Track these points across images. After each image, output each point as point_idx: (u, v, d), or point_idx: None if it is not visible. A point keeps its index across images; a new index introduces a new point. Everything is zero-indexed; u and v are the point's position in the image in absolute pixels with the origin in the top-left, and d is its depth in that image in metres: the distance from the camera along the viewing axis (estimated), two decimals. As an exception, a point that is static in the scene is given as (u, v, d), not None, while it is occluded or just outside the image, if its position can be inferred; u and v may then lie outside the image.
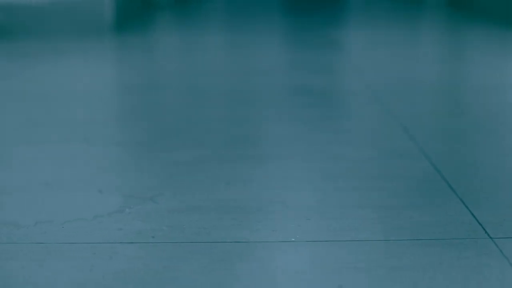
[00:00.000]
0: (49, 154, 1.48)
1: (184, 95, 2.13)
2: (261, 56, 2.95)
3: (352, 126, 1.72)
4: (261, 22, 4.64)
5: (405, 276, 0.90)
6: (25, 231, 1.05)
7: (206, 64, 2.77)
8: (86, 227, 1.07)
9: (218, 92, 2.18)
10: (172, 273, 0.91)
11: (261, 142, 1.58)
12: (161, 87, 2.26)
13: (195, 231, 1.05)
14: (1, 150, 1.53)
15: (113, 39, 3.67)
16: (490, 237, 1.02)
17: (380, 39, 3.55)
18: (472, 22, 4.31)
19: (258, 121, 1.78)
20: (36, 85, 2.33)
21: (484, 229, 1.05)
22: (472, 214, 1.11)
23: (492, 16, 4.46)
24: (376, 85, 2.27)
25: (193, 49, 3.25)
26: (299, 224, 1.08)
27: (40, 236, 1.03)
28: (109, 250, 0.98)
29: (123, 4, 4.29)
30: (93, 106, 1.99)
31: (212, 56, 2.99)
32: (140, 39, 3.72)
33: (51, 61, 2.89)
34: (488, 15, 4.52)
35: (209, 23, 4.57)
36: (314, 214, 1.12)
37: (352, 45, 3.34)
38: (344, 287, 0.87)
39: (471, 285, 0.88)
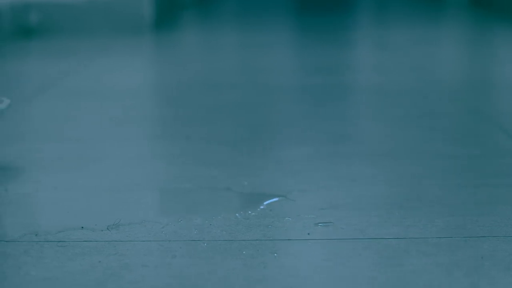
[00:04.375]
0: (156, 152, 1.47)
1: (255, 93, 2.11)
2: (319, 54, 2.93)
3: (444, 124, 1.71)
4: (312, 19, 4.62)
5: None
6: (173, 228, 1.04)
7: (262, 62, 2.75)
8: (234, 225, 1.05)
9: (288, 89, 2.17)
10: (346, 270, 0.90)
11: (359, 138, 1.57)
12: (225, 85, 2.24)
13: (353, 228, 1.04)
14: (108, 149, 1.52)
15: (155, 36, 3.66)
16: None
17: (425, 37, 3.54)
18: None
19: (345, 117, 1.77)
20: (96, 82, 2.32)
21: None
22: None
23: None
24: (447, 83, 2.26)
25: (241, 46, 3.23)
26: (446, 220, 1.06)
27: (195, 234, 1.02)
28: (271, 248, 0.97)
29: (161, 1, 4.28)
30: (166, 103, 1.97)
31: (264, 53, 2.97)
32: (184, 36, 3.71)
33: (100, 58, 2.88)
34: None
35: (258, 20, 4.55)
36: (455, 211, 1.11)
37: (398, 44, 3.32)
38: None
39: None
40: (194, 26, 4.39)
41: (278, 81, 2.32)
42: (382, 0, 6.28)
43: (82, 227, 1.04)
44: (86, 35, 3.66)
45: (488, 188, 1.21)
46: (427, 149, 1.48)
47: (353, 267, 0.90)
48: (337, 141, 1.53)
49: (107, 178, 1.30)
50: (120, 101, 2.01)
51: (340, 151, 1.46)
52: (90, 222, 1.06)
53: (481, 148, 1.48)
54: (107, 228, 1.03)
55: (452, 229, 1.03)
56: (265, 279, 0.88)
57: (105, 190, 1.23)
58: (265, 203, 1.14)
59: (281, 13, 5.16)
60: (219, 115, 1.81)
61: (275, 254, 0.95)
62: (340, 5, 5.84)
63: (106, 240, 0.99)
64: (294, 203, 1.14)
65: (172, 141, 1.55)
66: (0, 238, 1.02)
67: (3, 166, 1.21)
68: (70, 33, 3.72)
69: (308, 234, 1.01)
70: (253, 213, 1.10)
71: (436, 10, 5.13)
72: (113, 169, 1.36)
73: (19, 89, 2.20)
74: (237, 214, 1.09)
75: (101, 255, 0.94)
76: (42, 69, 2.65)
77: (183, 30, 4.13)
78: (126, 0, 3.88)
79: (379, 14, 5.21)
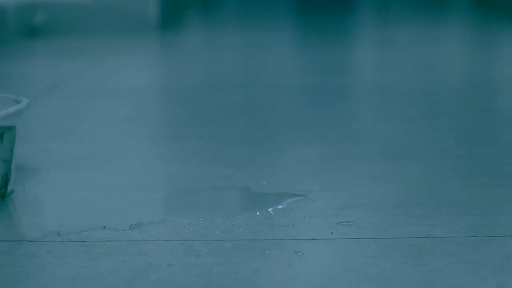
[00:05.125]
0: (171, 151, 1.47)
1: (265, 93, 2.11)
2: (327, 53, 2.93)
3: (456, 123, 1.71)
4: (320, 18, 4.62)
5: None
6: (195, 227, 1.04)
7: (269, 61, 2.75)
8: (257, 225, 1.05)
9: (297, 89, 2.17)
10: (373, 269, 0.90)
11: (372, 138, 1.57)
12: (234, 85, 2.24)
13: (375, 227, 1.04)
14: (128, 149, 1.52)
15: (163, 36, 3.66)
16: None
17: (434, 36, 3.54)
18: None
19: (357, 117, 1.77)
20: (105, 82, 2.32)
21: None
22: None
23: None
24: (457, 82, 2.26)
25: (249, 46, 3.23)
26: (470, 219, 1.06)
27: (226, 234, 1.02)
28: (296, 248, 0.97)
29: (169, 1, 4.28)
30: (177, 103, 1.97)
31: (272, 53, 2.98)
32: (192, 35, 3.71)
33: (108, 58, 2.88)
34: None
35: (265, 19, 4.55)
36: (475, 210, 1.11)
37: (406, 43, 3.32)
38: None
39: None
40: (202, 26, 4.39)
41: (287, 81, 2.32)
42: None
43: (104, 227, 1.04)
44: (93, 34, 3.66)
45: (506, 188, 1.21)
46: (442, 149, 1.48)
47: (379, 266, 0.90)
48: (350, 141, 1.53)
49: (125, 178, 1.30)
50: (131, 101, 2.01)
51: (354, 150, 1.46)
52: (111, 221, 1.06)
53: (494, 147, 1.48)
54: (129, 228, 1.03)
55: (474, 229, 1.03)
56: (292, 279, 0.87)
57: (123, 190, 1.23)
58: (285, 202, 1.14)
59: (288, 12, 5.16)
60: (231, 115, 1.81)
61: (299, 253, 0.95)
62: (346, 4, 5.84)
63: (129, 239, 0.99)
64: (315, 203, 1.14)
65: (186, 141, 1.55)
66: (22, 238, 1.02)
67: (19, 166, 1.21)
68: (77, 33, 3.72)
69: (331, 233, 1.01)
70: (275, 213, 1.09)
71: (444, 9, 5.13)
72: (130, 169, 1.36)
73: (27, 89, 2.20)
74: (258, 214, 1.09)
75: (125, 254, 0.94)
76: (50, 69, 2.65)
77: (190, 29, 4.13)
78: (134, 0, 3.87)
79: (388, 13, 5.21)
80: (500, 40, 3.41)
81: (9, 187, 1.16)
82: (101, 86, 2.26)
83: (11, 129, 1.14)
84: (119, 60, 2.86)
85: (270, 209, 1.11)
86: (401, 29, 3.94)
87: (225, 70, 2.60)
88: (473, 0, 5.39)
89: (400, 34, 3.65)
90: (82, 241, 0.99)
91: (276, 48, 3.19)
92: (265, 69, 2.59)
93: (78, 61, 2.80)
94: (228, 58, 2.97)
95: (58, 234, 1.01)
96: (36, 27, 3.74)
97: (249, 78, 2.40)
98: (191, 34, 3.94)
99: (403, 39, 3.43)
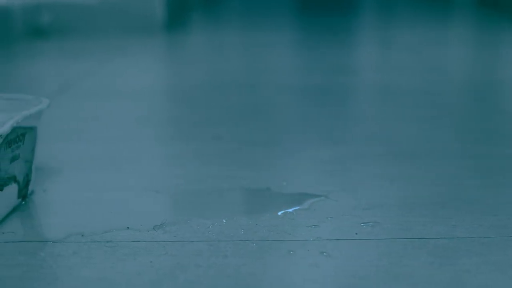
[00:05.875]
0: (189, 152, 1.47)
1: (277, 93, 2.11)
2: (338, 54, 2.93)
3: (472, 124, 1.71)
4: (326, 18, 4.62)
5: None
6: (219, 228, 1.04)
7: (280, 62, 2.75)
8: (281, 225, 1.05)
9: (310, 89, 2.17)
10: (402, 269, 0.90)
11: (389, 139, 1.56)
12: (246, 86, 2.24)
13: (399, 227, 1.03)
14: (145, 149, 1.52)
15: (167, 36, 3.66)
16: None
17: (446, 37, 3.54)
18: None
19: (372, 118, 1.77)
20: (117, 83, 2.32)
21: None
22: None
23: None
24: (470, 83, 2.26)
25: (260, 46, 3.23)
26: (492, 220, 1.06)
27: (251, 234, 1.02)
28: (321, 248, 0.97)
29: (173, 2, 4.28)
30: (190, 103, 1.97)
31: (282, 53, 2.98)
32: (201, 36, 3.70)
33: (118, 58, 2.88)
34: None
35: (274, 19, 4.55)
36: (497, 211, 1.10)
37: (417, 44, 3.32)
38: None
39: None
40: (211, 26, 4.38)
41: (299, 82, 2.32)
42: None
43: (128, 228, 1.04)
44: (102, 35, 3.66)
45: (527, 188, 1.21)
46: (460, 149, 1.47)
47: (407, 266, 0.90)
48: (367, 142, 1.53)
49: (144, 179, 1.29)
50: (143, 102, 2.01)
51: (372, 151, 1.45)
52: (134, 222, 1.06)
53: (512, 147, 1.49)
54: (153, 228, 1.03)
55: (498, 229, 1.03)
56: (320, 279, 0.87)
57: (144, 190, 1.23)
58: (307, 203, 1.14)
59: (297, 12, 5.16)
60: (246, 116, 1.81)
61: (325, 253, 0.95)
62: (355, 5, 5.84)
63: (154, 240, 0.99)
64: (337, 203, 1.14)
65: (203, 142, 1.55)
66: (45, 239, 1.02)
67: (38, 166, 1.21)
68: (86, 34, 3.72)
69: (356, 234, 1.01)
70: (297, 213, 1.09)
71: (453, 10, 5.13)
72: (148, 170, 1.36)
73: (39, 90, 2.20)
74: (280, 214, 1.09)
75: (151, 255, 0.94)
76: (60, 69, 2.65)
77: (200, 30, 4.13)
78: (141, 1, 3.87)
79: (397, 14, 5.21)
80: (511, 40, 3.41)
81: (30, 188, 1.16)
82: (111, 86, 2.26)
83: (32, 129, 1.14)
84: (129, 60, 2.86)
85: (292, 210, 1.11)
86: (411, 29, 3.94)
87: (235, 71, 2.60)
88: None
89: (410, 35, 3.65)
90: (106, 241, 0.99)
91: (288, 48, 3.19)
92: (277, 70, 2.59)
93: (83, 62, 2.80)
94: (238, 58, 2.97)
95: (82, 235, 1.01)
96: (44, 28, 3.74)
97: (260, 78, 2.40)
98: (200, 34, 3.94)
99: (414, 40, 3.43)
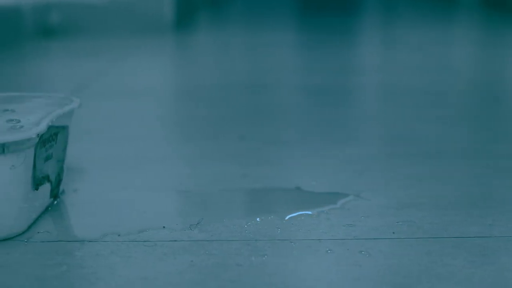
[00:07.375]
0: (213, 152, 1.47)
1: (294, 93, 2.11)
2: (352, 54, 2.93)
3: (496, 124, 1.71)
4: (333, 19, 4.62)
5: None
6: (255, 227, 1.04)
7: (295, 62, 2.75)
8: (316, 224, 1.05)
9: (327, 90, 2.17)
10: (444, 268, 0.89)
11: (415, 139, 1.56)
12: (262, 86, 2.24)
13: (435, 227, 1.03)
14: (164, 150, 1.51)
15: (176, 36, 3.66)
16: None
17: (462, 38, 3.54)
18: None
19: (396, 118, 1.77)
20: (134, 82, 2.32)
21: None
22: None
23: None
24: (488, 83, 2.26)
25: (259, 46, 3.23)
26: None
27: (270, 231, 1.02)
28: (360, 247, 0.97)
29: (182, 1, 4.28)
30: (209, 103, 1.97)
31: (297, 53, 2.97)
32: (203, 36, 3.70)
33: (132, 57, 2.88)
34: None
35: (286, 19, 4.55)
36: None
37: (414, 43, 3.32)
38: None
39: None
40: (218, 26, 4.38)
41: (313, 82, 2.32)
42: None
43: (164, 227, 1.03)
44: (111, 35, 3.66)
45: (557, 187, 1.21)
46: (486, 149, 1.47)
47: (448, 265, 0.90)
48: (394, 142, 1.53)
49: (173, 178, 1.29)
50: (163, 101, 2.01)
51: (399, 151, 1.45)
52: (169, 221, 1.06)
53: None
54: (190, 228, 1.03)
55: (534, 228, 1.03)
56: (363, 278, 0.87)
57: (174, 190, 1.23)
58: (339, 202, 1.14)
59: (308, 12, 5.16)
60: (266, 116, 1.81)
61: (363, 252, 0.94)
62: (365, 5, 5.84)
63: (192, 239, 0.99)
64: (369, 202, 1.14)
65: (227, 141, 1.55)
66: (80, 239, 1.02)
67: (66, 167, 1.20)
68: (96, 34, 3.72)
69: (393, 233, 1.01)
70: (331, 213, 1.09)
71: (466, 10, 5.14)
72: (176, 169, 1.36)
73: (55, 89, 2.20)
74: (313, 213, 1.09)
75: (191, 254, 0.94)
76: (72, 69, 2.64)
77: (207, 30, 4.13)
78: (150, 2, 3.87)
79: (411, 14, 5.21)
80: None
81: (60, 187, 1.16)
82: (126, 86, 2.26)
83: (64, 128, 1.14)
84: (140, 60, 2.86)
85: (325, 209, 1.11)
86: (432, 30, 3.94)
87: (246, 71, 2.60)
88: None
89: (431, 36, 3.65)
90: (144, 241, 0.99)
91: (297, 48, 3.19)
92: (290, 70, 2.59)
93: (96, 61, 2.80)
94: (247, 58, 2.97)
95: (119, 235, 1.01)
96: (55, 28, 3.74)
97: (273, 78, 2.40)
98: (208, 34, 3.94)
99: (435, 40, 3.43)
